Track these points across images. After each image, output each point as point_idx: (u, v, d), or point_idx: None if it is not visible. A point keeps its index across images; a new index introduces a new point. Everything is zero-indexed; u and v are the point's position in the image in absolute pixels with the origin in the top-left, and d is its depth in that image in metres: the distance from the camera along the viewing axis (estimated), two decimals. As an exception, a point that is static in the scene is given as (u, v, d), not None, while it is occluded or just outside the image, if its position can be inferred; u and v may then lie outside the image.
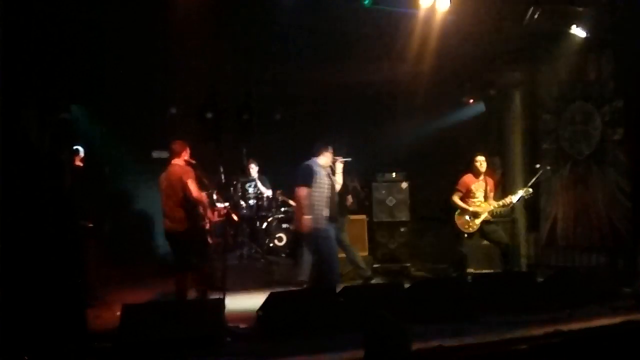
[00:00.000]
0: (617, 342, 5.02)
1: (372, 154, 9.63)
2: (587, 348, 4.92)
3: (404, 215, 9.06)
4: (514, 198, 7.40)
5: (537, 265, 7.57)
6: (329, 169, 6.63)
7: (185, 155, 6.13)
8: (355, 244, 8.32)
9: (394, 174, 9.20)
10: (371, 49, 7.68)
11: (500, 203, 7.38)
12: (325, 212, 6.39)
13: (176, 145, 6.14)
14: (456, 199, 7.46)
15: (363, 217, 8.97)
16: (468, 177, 7.51)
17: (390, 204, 9.06)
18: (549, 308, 5.96)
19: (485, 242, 7.94)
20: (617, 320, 5.45)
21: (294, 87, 9.36)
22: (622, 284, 6.61)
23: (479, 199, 7.41)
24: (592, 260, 7.75)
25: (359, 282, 7.70)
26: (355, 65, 8.34)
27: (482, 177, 7.47)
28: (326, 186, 6.42)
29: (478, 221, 7.32)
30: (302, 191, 6.30)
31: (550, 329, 5.20)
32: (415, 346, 4.57)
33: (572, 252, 7.96)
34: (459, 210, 7.43)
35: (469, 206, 7.34)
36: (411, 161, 9.69)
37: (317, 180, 6.37)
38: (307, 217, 6.31)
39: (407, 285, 5.93)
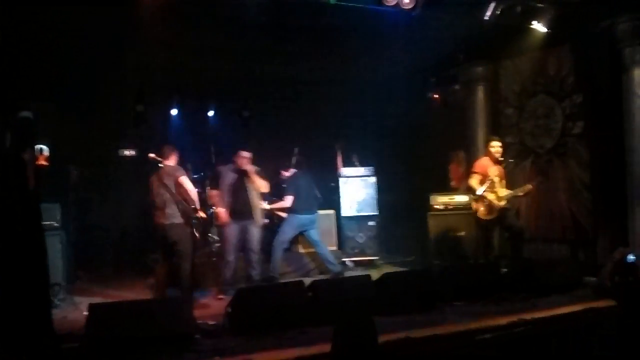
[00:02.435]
0: (579, 328, 5.18)
1: (340, 149, 9.67)
2: (550, 335, 5.07)
3: (371, 210, 9.13)
4: (527, 187, 7.25)
5: (502, 257, 7.71)
6: (245, 171, 7.06)
7: (175, 157, 6.59)
8: (325, 238, 8.37)
9: (362, 169, 9.27)
10: (336, 46, 7.72)
11: (518, 191, 7.24)
12: (231, 209, 7.01)
13: (165, 149, 6.58)
14: (474, 182, 7.27)
15: (332, 211, 9.02)
16: (485, 160, 7.39)
17: (359, 199, 9.13)
18: (513, 298, 6.10)
19: (455, 232, 8.09)
20: (578, 308, 5.61)
21: (261, 84, 9.35)
22: (583, 274, 6.79)
23: (497, 184, 7.21)
24: (554, 251, 7.93)
25: (329, 276, 7.77)
26: (321, 62, 8.38)
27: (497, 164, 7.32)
28: (231, 188, 7.02)
29: (496, 208, 7.15)
30: (211, 192, 7.38)
31: (514, 318, 5.34)
32: (383, 338, 4.64)
33: (535, 244, 8.12)
34: (475, 197, 7.25)
35: (487, 192, 7.13)
36: (378, 156, 9.77)
37: (225, 183, 7.06)
38: (219, 210, 7.07)
39: (375, 278, 5.99)
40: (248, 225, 7.07)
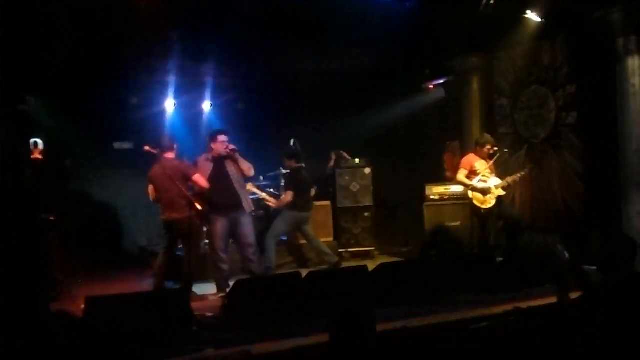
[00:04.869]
0: (572, 316, 5.22)
1: (335, 140, 9.69)
2: (544, 324, 5.11)
3: (367, 201, 9.16)
4: (516, 177, 7.43)
5: (496, 247, 7.77)
6: (228, 158, 6.59)
7: (174, 150, 6.47)
8: (320, 230, 8.39)
9: (357, 160, 9.29)
10: (332, 37, 7.72)
11: (509, 180, 7.39)
12: (215, 202, 6.51)
13: (166, 141, 6.49)
14: (461, 176, 7.48)
15: (327, 203, 9.05)
16: (471, 156, 7.59)
17: (354, 190, 9.15)
18: (508, 287, 6.15)
19: (450, 223, 8.13)
20: (571, 297, 5.65)
21: (257, 76, 9.35)
22: (577, 263, 6.83)
23: (487, 176, 7.40)
24: (549, 240, 7.97)
25: (325, 267, 7.80)
26: (317, 53, 8.38)
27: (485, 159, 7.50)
28: (211, 178, 6.47)
29: (493, 196, 7.33)
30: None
31: (509, 307, 5.39)
32: (380, 328, 4.68)
33: (530, 233, 8.17)
34: (471, 189, 7.42)
35: (481, 182, 7.33)
36: (373, 147, 9.80)
37: (209, 171, 6.52)
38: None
39: (371, 269, 6.02)
40: (238, 217, 6.58)
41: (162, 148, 6.39)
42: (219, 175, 6.55)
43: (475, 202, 7.46)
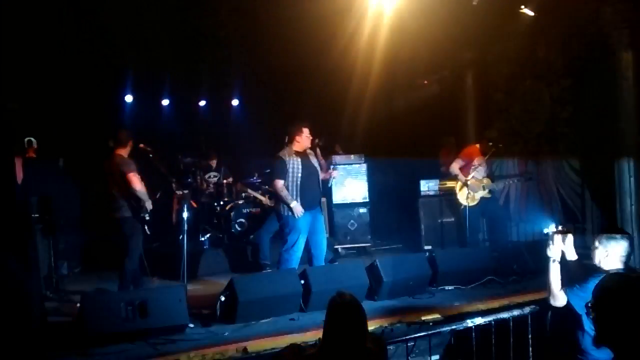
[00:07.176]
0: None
1: (330, 136, 9.67)
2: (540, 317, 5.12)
3: (363, 197, 9.15)
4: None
5: (492, 241, 7.78)
6: (307, 152, 6.32)
7: (130, 145, 6.06)
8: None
9: (352, 156, 9.26)
10: (325, 32, 7.70)
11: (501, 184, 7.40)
12: (303, 197, 6.20)
13: (122, 135, 6.06)
14: (455, 167, 7.41)
15: (323, 199, 9.01)
16: (475, 148, 7.48)
17: (350, 186, 9.13)
18: (503, 281, 6.17)
19: (445, 218, 8.14)
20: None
21: (251, 73, 9.32)
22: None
23: (481, 174, 7.34)
24: (544, 234, 7.97)
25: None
26: (309, 49, 8.35)
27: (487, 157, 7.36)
28: (300, 174, 6.16)
29: (478, 195, 7.28)
30: (277, 184, 6.13)
31: (505, 301, 5.40)
32: (376, 322, 4.70)
33: (525, 227, 8.19)
34: (459, 183, 7.38)
35: (472, 180, 7.25)
36: (368, 143, 9.77)
37: (290, 170, 6.14)
38: (293, 204, 6.05)
39: (367, 265, 6.02)
40: (317, 213, 6.29)
41: (116, 143, 6.03)
42: (308, 170, 6.22)
43: (458, 196, 7.46)
